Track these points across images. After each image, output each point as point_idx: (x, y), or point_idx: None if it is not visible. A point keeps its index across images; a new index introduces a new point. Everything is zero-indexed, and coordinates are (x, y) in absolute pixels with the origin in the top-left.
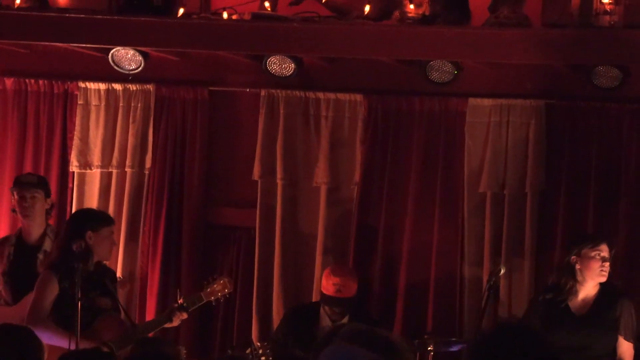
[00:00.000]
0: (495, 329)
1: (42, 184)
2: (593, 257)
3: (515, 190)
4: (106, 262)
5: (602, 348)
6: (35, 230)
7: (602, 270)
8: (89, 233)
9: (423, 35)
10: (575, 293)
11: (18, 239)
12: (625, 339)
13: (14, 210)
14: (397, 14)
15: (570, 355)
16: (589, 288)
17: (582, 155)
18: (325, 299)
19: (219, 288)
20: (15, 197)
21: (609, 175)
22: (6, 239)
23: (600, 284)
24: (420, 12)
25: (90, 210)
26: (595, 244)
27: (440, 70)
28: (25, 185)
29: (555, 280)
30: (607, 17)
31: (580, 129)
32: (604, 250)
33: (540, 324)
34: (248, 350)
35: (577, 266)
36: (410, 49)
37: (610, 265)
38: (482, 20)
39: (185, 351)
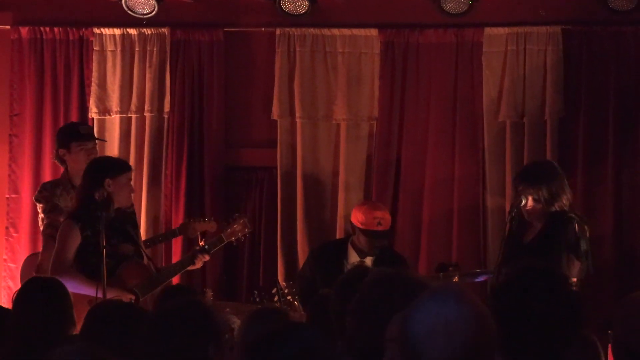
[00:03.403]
0: (521, 271)
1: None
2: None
3: (534, 117)
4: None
5: None
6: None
7: (526, 211)
8: (108, 181)
9: None
10: (527, 225)
11: (70, 183)
12: (561, 254)
13: (59, 159)
14: None
15: None
16: (533, 220)
17: (600, 80)
18: (367, 233)
19: (239, 228)
20: (77, 149)
21: (628, 99)
22: (57, 182)
23: (550, 215)
24: None
25: (107, 157)
26: (516, 184)
27: (455, 1)
28: (89, 136)
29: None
30: None
31: (598, 54)
32: (526, 191)
33: (501, 255)
34: (274, 290)
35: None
36: None
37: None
38: None
39: (212, 293)
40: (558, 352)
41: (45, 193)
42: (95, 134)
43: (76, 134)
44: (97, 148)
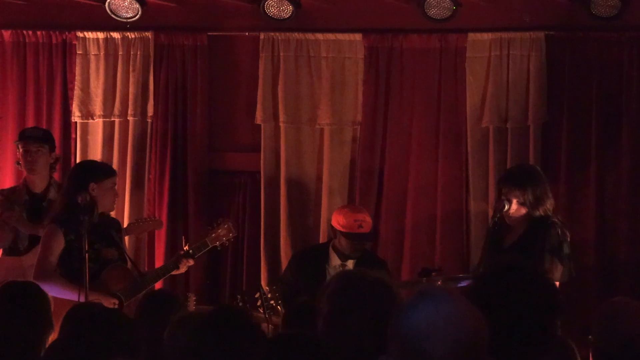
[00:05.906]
0: (498, 269)
1: (46, 138)
2: (503, 199)
3: (517, 123)
4: (111, 213)
5: None
6: (39, 183)
7: (509, 214)
8: (92, 185)
9: None
10: (508, 229)
11: (26, 189)
12: (544, 258)
13: (18, 163)
14: None
15: None
16: (514, 224)
17: (583, 85)
18: (348, 236)
19: (224, 232)
20: (20, 150)
21: (610, 105)
22: (14, 189)
23: (533, 219)
24: None
25: (91, 162)
26: (500, 186)
27: (439, 7)
28: (30, 139)
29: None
30: None
31: (581, 60)
32: (511, 194)
33: (480, 260)
34: (257, 295)
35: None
36: None
37: (535, 205)
38: None
39: (194, 297)
40: (538, 345)
41: (1, 198)
42: (78, 138)
43: (20, 135)
44: (52, 155)
